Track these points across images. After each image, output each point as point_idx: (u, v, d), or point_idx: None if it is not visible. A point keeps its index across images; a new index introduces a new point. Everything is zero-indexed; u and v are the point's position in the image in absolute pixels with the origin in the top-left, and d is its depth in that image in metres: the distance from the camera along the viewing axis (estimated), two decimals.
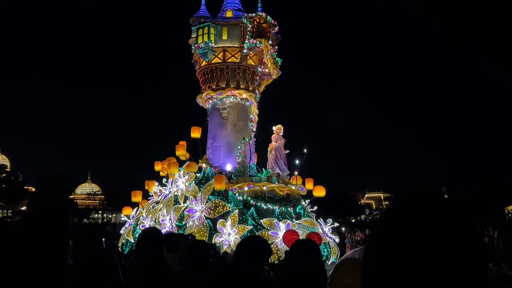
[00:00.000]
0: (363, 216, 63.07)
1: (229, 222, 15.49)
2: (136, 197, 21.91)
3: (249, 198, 16.38)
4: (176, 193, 18.12)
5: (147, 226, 19.17)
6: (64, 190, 50.61)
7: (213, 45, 18.55)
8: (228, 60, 18.80)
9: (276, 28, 19.15)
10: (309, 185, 17.66)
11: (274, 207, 16.14)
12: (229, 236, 15.33)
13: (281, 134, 18.06)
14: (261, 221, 15.64)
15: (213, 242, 15.56)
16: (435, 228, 1.01)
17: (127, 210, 22.16)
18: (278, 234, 15.10)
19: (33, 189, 53.06)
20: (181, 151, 20.02)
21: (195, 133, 19.96)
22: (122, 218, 21.85)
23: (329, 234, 16.53)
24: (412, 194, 1.12)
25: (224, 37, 18.87)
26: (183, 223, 17.06)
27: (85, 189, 63.59)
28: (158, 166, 21.66)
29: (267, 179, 16.72)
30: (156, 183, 21.50)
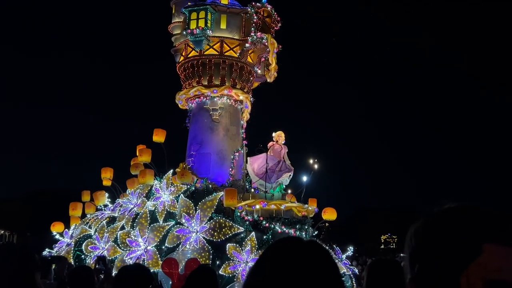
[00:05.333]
0: None
1: (247, 248, 12.53)
2: (76, 210, 17.53)
3: (261, 218, 13.55)
4: (152, 208, 14.54)
5: (100, 248, 15.22)
6: None
7: (210, 33, 15.53)
8: (225, 53, 15.88)
9: (279, 25, 16.82)
10: (312, 206, 15.37)
11: (290, 231, 13.54)
12: (246, 265, 12.38)
13: (283, 142, 15.49)
14: None
15: (223, 272, 12.51)
16: (297, 273, 1.22)
17: (57, 226, 17.66)
18: None
19: None
20: (146, 157, 16.44)
21: (159, 137, 16.59)
22: (56, 236, 17.25)
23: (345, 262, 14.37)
24: (282, 240, 1.36)
25: (223, 26, 15.96)
26: (167, 246, 13.61)
27: None
28: (106, 173, 17.68)
29: (282, 196, 14.08)
30: (106, 194, 17.46)
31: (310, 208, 14.32)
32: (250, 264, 12.31)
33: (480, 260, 1.06)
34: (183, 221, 13.32)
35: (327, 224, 14.03)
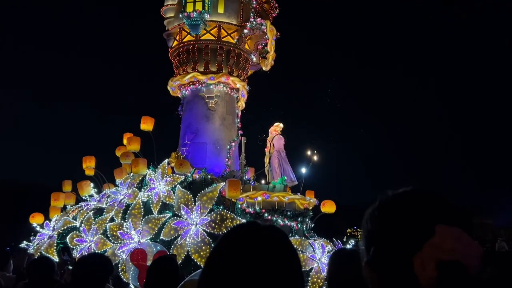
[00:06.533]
0: None
1: None
2: (59, 200, 16.52)
3: (263, 210, 13.09)
4: (145, 199, 13.84)
5: (88, 241, 14.41)
6: None
7: (208, 17, 14.85)
8: (223, 39, 15.24)
9: (277, 12, 16.29)
10: (313, 198, 15.02)
11: (292, 224, 13.17)
12: None
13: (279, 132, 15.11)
14: None
15: None
16: (255, 259, 1.21)
17: (37, 218, 16.66)
18: (316, 257, 12.20)
19: None
20: (135, 146, 15.69)
21: (147, 125, 15.86)
22: (36, 228, 16.25)
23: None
24: (241, 225, 1.36)
25: (220, 10, 15.29)
26: (162, 238, 12.99)
27: None
28: (90, 162, 16.81)
29: (284, 188, 13.64)
30: (92, 184, 16.55)
31: (312, 200, 13.98)
32: None
33: (432, 241, 1.07)
34: (182, 213, 12.70)
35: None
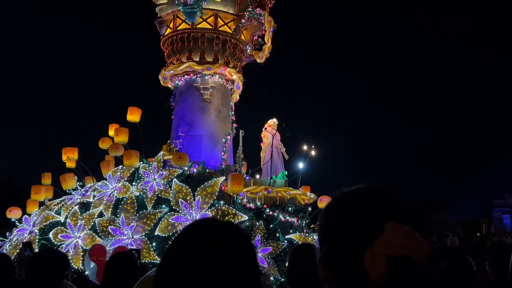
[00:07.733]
0: None
1: (258, 238, 11.69)
2: (40, 194, 15.56)
3: (264, 206, 12.73)
4: (139, 193, 13.22)
5: (74, 237, 13.67)
6: None
7: (205, 4, 14.29)
8: (220, 28, 14.70)
9: (273, 2, 15.85)
10: (312, 193, 14.79)
11: (293, 220, 12.88)
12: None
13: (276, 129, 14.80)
14: (289, 236, 12.22)
15: None
16: (210, 257, 1.17)
17: (14, 212, 15.68)
18: None
19: None
20: (123, 137, 15.01)
21: (134, 116, 15.23)
22: (13, 221, 15.28)
23: None
24: (198, 222, 1.34)
25: None
26: (158, 234, 12.45)
27: None
28: (73, 153, 15.98)
29: (285, 183, 13.32)
30: (75, 177, 15.68)
31: (312, 196, 13.73)
32: (263, 254, 11.59)
33: (383, 237, 1.08)
34: (181, 208, 12.17)
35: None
